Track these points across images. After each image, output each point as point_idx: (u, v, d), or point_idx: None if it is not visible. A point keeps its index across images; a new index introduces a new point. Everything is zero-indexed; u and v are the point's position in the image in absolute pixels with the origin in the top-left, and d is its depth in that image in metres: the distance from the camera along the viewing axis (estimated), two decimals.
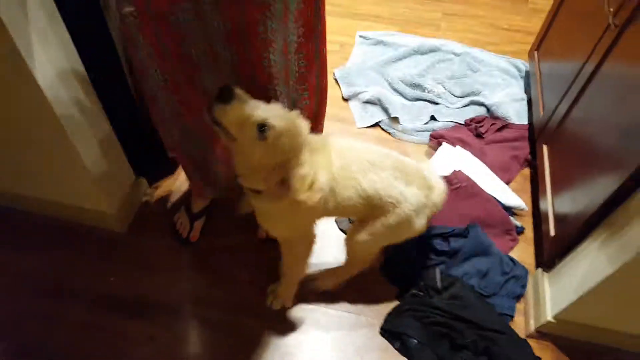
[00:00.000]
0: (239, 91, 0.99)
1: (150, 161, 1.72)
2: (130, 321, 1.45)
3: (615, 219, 1.19)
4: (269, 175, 1.05)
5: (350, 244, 1.35)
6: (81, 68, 1.28)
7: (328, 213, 1.26)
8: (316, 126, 1.39)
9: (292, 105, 1.26)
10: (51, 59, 1.16)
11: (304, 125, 1.07)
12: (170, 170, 1.84)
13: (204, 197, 1.61)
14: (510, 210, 1.78)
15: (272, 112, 1.00)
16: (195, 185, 1.58)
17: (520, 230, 1.74)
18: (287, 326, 1.46)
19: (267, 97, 1.12)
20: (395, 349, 1.42)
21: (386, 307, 1.51)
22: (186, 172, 1.54)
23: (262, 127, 0.98)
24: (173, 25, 1.02)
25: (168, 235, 1.65)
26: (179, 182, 1.81)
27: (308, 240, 1.34)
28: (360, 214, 1.28)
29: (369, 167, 1.19)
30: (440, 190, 1.34)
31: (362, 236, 1.28)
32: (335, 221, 1.69)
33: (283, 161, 1.04)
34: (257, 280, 1.55)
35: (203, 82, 1.15)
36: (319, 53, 1.22)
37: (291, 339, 1.43)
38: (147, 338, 1.41)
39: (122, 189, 1.61)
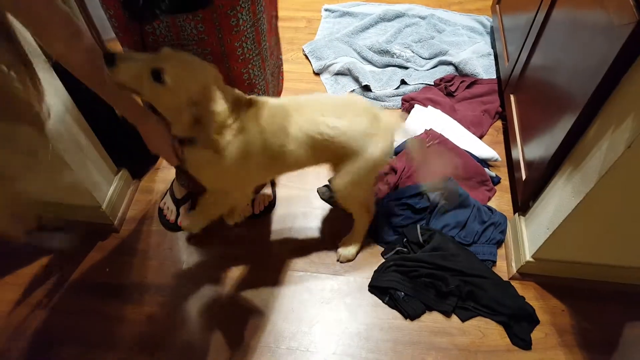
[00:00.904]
0: (121, 53, 1.01)
1: (132, 154, 1.75)
2: (127, 305, 1.50)
3: (575, 155, 1.25)
4: (180, 115, 1.07)
5: (338, 196, 1.40)
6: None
7: (270, 168, 1.29)
8: None
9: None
10: None
11: (203, 63, 1.08)
12: (152, 161, 1.88)
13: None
14: (485, 162, 1.84)
15: (161, 57, 1.02)
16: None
17: (496, 181, 1.80)
18: (281, 294, 1.52)
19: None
20: (385, 303, 1.48)
21: (373, 266, 1.57)
22: None
23: (156, 73, 1.00)
24: (149, 34, 1.11)
25: (156, 222, 1.69)
26: (162, 172, 1.85)
27: (242, 199, 1.43)
28: (311, 161, 1.31)
29: (293, 112, 1.22)
30: (387, 116, 1.32)
31: (337, 182, 1.33)
32: (318, 192, 1.74)
33: (191, 100, 1.05)
34: (249, 254, 1.61)
35: None
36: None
37: (285, 305, 1.49)
38: (146, 318, 1.46)
39: (108, 184, 1.65)
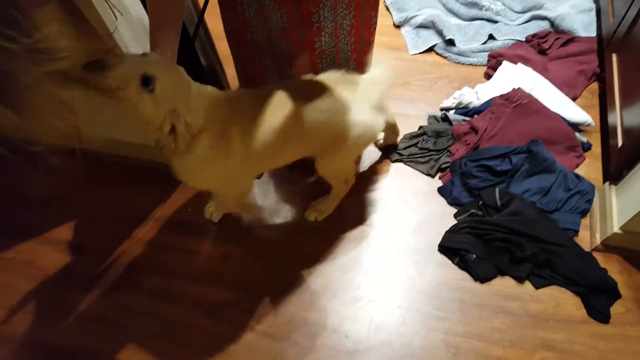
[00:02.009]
0: (109, 58, 0.94)
1: None
2: (205, 242, 1.59)
3: None
4: (156, 123, 1.03)
5: (321, 176, 1.43)
6: None
7: (258, 163, 1.29)
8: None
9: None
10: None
11: (183, 72, 1.06)
12: None
13: None
14: (576, 127, 1.71)
15: (151, 64, 0.98)
16: None
17: (587, 147, 1.68)
18: (348, 246, 1.54)
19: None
20: (454, 264, 1.47)
21: (442, 226, 1.54)
22: None
23: (147, 80, 0.96)
24: (240, 14, 1.23)
25: None
26: None
27: (240, 194, 1.42)
28: (300, 152, 1.29)
29: (275, 104, 1.17)
30: (367, 79, 1.27)
31: (321, 167, 1.35)
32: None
33: (173, 110, 1.02)
34: (306, 204, 1.64)
35: (262, 61, 1.37)
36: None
37: (352, 257, 1.52)
38: (221, 255, 1.55)
39: None
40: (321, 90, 1.21)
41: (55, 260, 1.59)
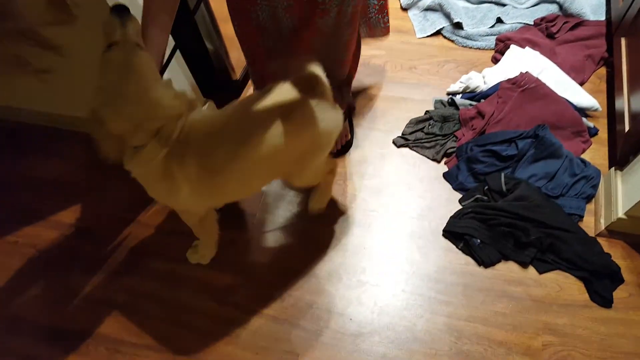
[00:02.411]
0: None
1: (216, 84, 1.80)
2: None
3: None
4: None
5: (299, 185, 1.40)
6: None
7: (216, 194, 1.18)
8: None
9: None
10: None
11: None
12: (237, 93, 1.92)
13: None
14: (583, 112, 1.70)
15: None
16: None
17: (593, 132, 1.67)
18: (352, 231, 1.55)
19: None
20: (459, 249, 1.47)
21: (446, 211, 1.55)
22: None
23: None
24: None
25: None
26: None
27: (200, 219, 1.32)
28: (266, 175, 1.22)
29: (237, 127, 1.09)
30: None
31: (297, 183, 1.31)
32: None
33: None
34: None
35: (264, 41, 1.37)
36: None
37: (356, 241, 1.53)
38: (228, 242, 1.56)
39: None
40: (290, 104, 1.11)
41: (60, 243, 1.60)
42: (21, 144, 1.90)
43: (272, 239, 1.56)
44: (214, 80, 1.78)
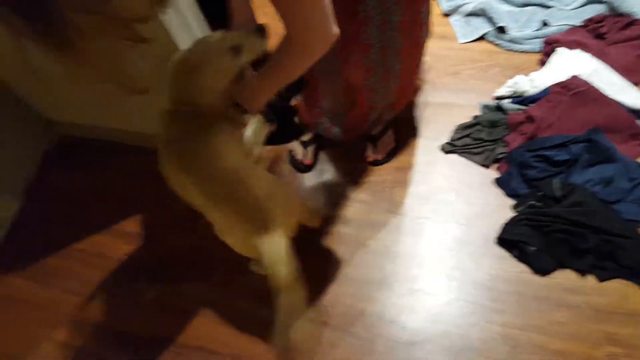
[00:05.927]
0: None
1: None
2: None
3: None
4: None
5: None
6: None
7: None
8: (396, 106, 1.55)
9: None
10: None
11: None
12: None
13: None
14: (637, 114, 1.65)
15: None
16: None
17: None
18: (401, 239, 1.54)
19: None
20: (514, 256, 1.45)
21: (497, 218, 1.52)
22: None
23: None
24: None
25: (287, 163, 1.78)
26: None
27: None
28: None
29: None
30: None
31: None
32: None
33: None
34: (372, 198, 1.64)
35: None
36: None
37: (406, 250, 1.52)
38: None
39: None
40: None
41: (124, 251, 1.66)
42: (80, 158, 1.99)
43: (319, 245, 1.57)
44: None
